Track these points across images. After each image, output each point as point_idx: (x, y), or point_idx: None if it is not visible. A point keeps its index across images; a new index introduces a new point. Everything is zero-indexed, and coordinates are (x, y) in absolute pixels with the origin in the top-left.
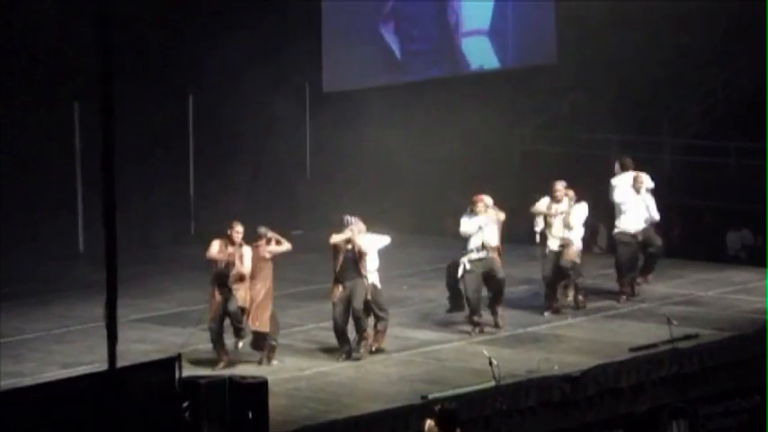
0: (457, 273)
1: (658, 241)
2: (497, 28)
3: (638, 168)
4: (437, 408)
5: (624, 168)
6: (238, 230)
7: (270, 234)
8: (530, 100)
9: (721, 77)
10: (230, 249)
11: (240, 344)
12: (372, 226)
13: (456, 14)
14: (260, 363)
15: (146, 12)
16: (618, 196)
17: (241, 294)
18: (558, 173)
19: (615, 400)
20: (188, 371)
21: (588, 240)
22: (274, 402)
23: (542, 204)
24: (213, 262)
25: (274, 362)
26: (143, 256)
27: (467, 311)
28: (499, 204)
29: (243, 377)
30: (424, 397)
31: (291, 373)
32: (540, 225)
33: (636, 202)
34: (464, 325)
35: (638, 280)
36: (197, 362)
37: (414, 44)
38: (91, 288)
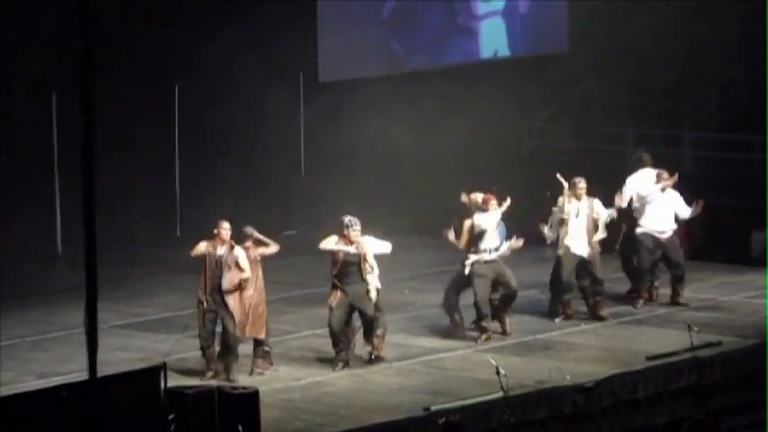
0: (454, 298)
1: (681, 259)
2: (506, 13)
3: (656, 164)
4: (441, 420)
5: (642, 164)
6: (225, 227)
7: (255, 234)
8: (539, 91)
9: (744, 67)
10: (220, 251)
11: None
12: (371, 226)
13: None
14: (251, 372)
15: None
16: (641, 194)
17: (232, 304)
18: (570, 168)
19: (631, 413)
20: (174, 380)
21: (610, 241)
22: (266, 414)
23: (561, 206)
24: (202, 260)
25: (267, 371)
26: (126, 258)
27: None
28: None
29: (233, 387)
30: (426, 409)
31: (285, 383)
32: (550, 230)
33: (661, 201)
34: (470, 331)
35: (656, 283)
36: (184, 371)
37: (416, 30)
38: (70, 292)
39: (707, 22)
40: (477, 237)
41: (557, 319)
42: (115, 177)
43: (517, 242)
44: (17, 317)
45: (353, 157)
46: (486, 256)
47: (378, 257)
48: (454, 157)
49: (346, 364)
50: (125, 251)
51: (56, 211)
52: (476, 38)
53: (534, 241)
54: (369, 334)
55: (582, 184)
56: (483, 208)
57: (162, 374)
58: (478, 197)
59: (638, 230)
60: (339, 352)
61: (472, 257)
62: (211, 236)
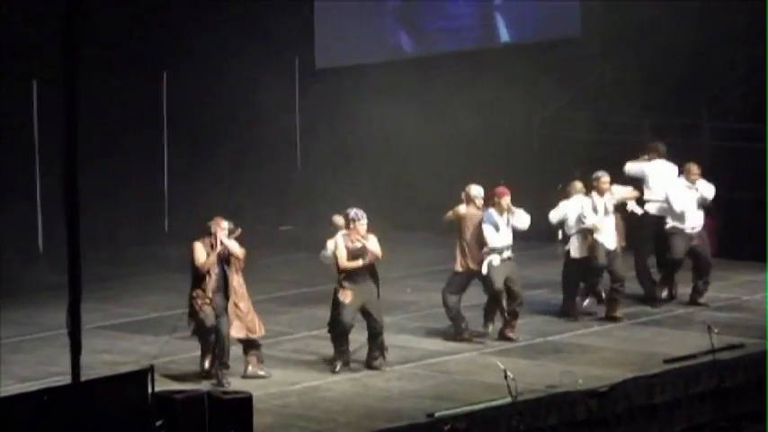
0: (455, 301)
1: (709, 255)
2: None
3: (674, 156)
4: (446, 428)
5: (657, 155)
6: (223, 227)
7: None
8: (550, 78)
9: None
10: (218, 250)
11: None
12: (372, 223)
13: None
14: (246, 373)
15: None
16: (668, 188)
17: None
18: (583, 160)
19: (648, 419)
20: (162, 385)
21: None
22: (260, 421)
23: (589, 214)
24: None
25: (262, 371)
26: (111, 256)
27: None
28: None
29: (224, 392)
30: (430, 415)
31: (280, 388)
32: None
33: (689, 195)
34: (478, 336)
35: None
36: (172, 375)
37: (421, 14)
38: (52, 291)
39: (729, 5)
40: (489, 234)
41: (586, 302)
42: (100, 170)
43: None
44: None
45: (353, 150)
46: (504, 254)
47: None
48: (461, 148)
49: (347, 365)
50: (110, 248)
51: (37, 207)
52: (484, 22)
53: (544, 237)
54: (375, 339)
55: (605, 178)
56: (497, 201)
57: (149, 378)
58: (473, 191)
59: (667, 226)
60: (343, 353)
61: (488, 257)
62: (204, 234)
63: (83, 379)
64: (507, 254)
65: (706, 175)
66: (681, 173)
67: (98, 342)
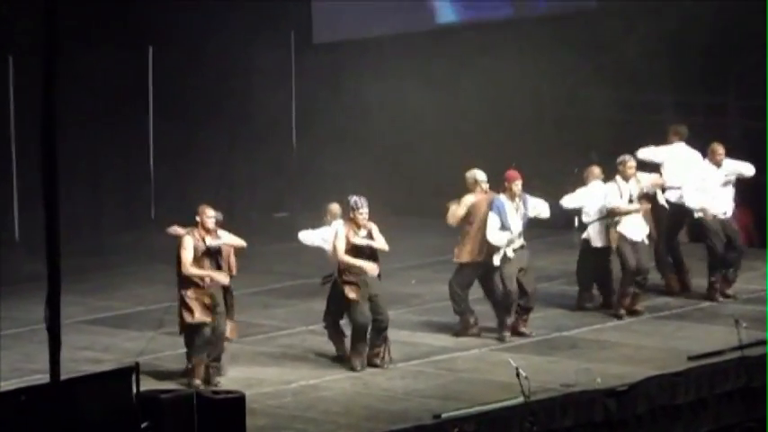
0: (463, 293)
1: (739, 242)
2: None
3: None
4: (454, 430)
5: (678, 138)
6: (210, 215)
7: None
8: (565, 55)
9: None
10: (209, 241)
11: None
12: (374, 208)
13: None
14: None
15: None
16: (691, 173)
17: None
18: (600, 142)
19: (671, 420)
20: (147, 384)
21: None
22: (253, 422)
23: (614, 198)
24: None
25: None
26: (92, 245)
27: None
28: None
29: (215, 391)
30: (436, 416)
31: (274, 387)
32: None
33: (717, 179)
34: (489, 332)
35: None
36: (158, 373)
37: None
38: (29, 283)
39: None
40: (492, 227)
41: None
42: (80, 153)
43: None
44: None
45: (353, 130)
46: (516, 243)
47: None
48: (468, 128)
49: (364, 364)
50: (92, 236)
51: (12, 191)
52: None
53: (559, 225)
54: (380, 334)
55: (632, 162)
56: (508, 186)
57: (134, 377)
58: (479, 175)
59: (701, 215)
60: (361, 354)
61: (498, 254)
62: (192, 224)
63: (62, 377)
64: (520, 242)
65: (732, 156)
66: (705, 155)
67: (79, 338)
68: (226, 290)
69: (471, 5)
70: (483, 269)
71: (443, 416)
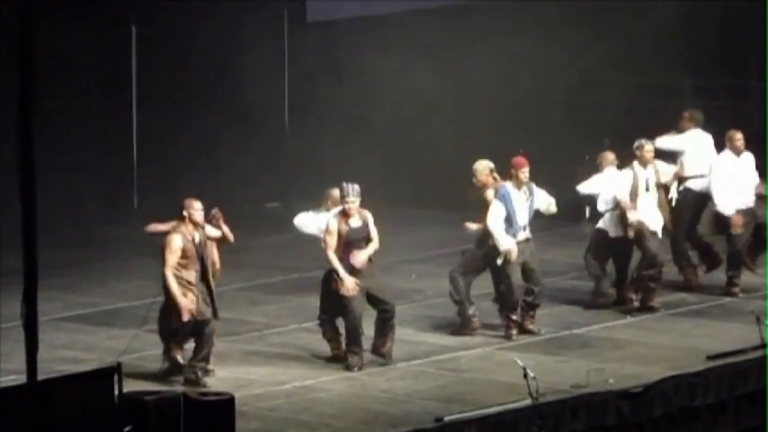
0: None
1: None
2: None
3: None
4: None
5: (694, 124)
6: (197, 208)
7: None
8: (575, 35)
9: None
10: (197, 237)
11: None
12: (373, 198)
13: None
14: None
15: None
16: (711, 161)
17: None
18: (613, 128)
19: (688, 423)
20: (131, 385)
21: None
22: (244, 426)
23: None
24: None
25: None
26: (72, 237)
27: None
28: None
29: (202, 393)
30: (438, 419)
31: (266, 388)
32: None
33: (737, 167)
34: (492, 328)
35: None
36: (142, 373)
37: None
38: (4, 277)
39: None
40: (494, 216)
41: (628, 317)
42: (59, 139)
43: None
44: None
45: (351, 115)
46: (521, 236)
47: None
48: (473, 114)
49: (361, 368)
50: (71, 228)
51: None
52: None
53: (569, 216)
54: (387, 323)
55: (650, 146)
56: (516, 174)
57: (116, 377)
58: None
59: (722, 208)
60: (356, 354)
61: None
62: (178, 217)
63: (40, 378)
64: (525, 234)
65: (754, 142)
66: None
67: (58, 336)
68: (209, 286)
69: None
70: (491, 259)
71: (446, 419)
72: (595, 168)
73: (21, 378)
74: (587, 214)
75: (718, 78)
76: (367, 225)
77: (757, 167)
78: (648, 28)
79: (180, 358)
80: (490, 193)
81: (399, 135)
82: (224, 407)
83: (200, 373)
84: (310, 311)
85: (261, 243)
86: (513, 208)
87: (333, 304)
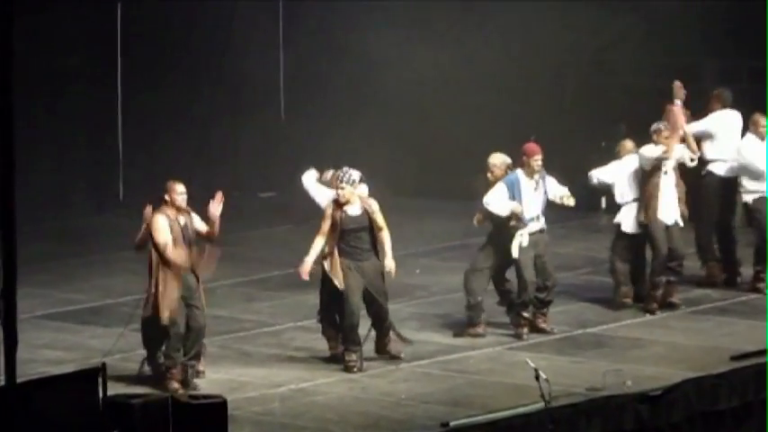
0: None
1: None
2: None
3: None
4: None
5: (722, 104)
6: (180, 191)
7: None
8: (590, 12)
9: None
10: (182, 220)
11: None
12: (374, 186)
13: None
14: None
15: None
16: (743, 148)
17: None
18: (630, 113)
19: (711, 428)
20: (116, 387)
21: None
22: (237, 431)
23: (650, 151)
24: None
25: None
26: (54, 230)
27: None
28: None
29: (192, 396)
30: (444, 424)
31: (260, 391)
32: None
33: (759, 150)
34: (501, 327)
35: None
36: (128, 375)
37: None
38: None
39: None
40: (494, 197)
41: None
42: (40, 124)
43: (569, 199)
44: None
45: (351, 97)
46: (533, 226)
47: None
48: (480, 97)
49: (359, 366)
50: (53, 219)
51: None
52: None
53: (584, 207)
54: (382, 324)
55: (667, 132)
56: (528, 162)
57: (100, 379)
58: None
59: (750, 196)
60: (355, 352)
61: (518, 233)
62: (162, 202)
63: (19, 380)
64: (539, 225)
65: None
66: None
67: (38, 335)
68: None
69: None
70: (504, 254)
71: (452, 424)
72: (612, 157)
73: None
74: (603, 204)
75: (742, 59)
76: (367, 213)
77: None
78: (667, 6)
79: (175, 384)
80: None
81: (402, 120)
82: (215, 411)
83: (190, 373)
84: (307, 309)
85: (254, 235)
86: (521, 196)
87: (332, 300)
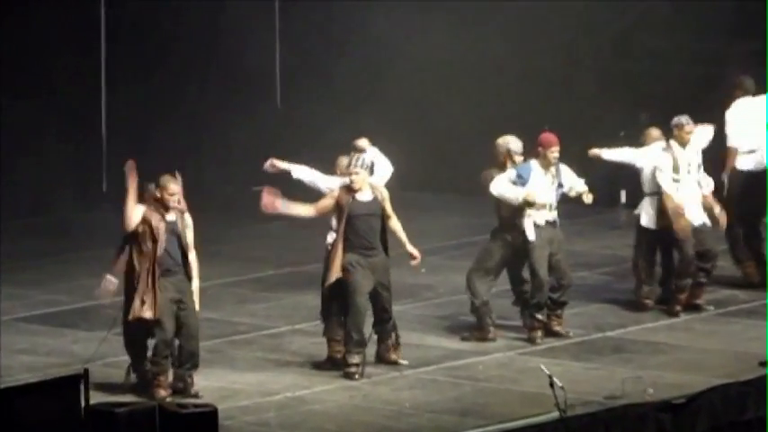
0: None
1: None
2: None
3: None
4: None
5: (742, 92)
6: (172, 192)
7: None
8: None
9: None
10: (170, 218)
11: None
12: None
13: None
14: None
15: None
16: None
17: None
18: (651, 101)
19: None
20: (99, 395)
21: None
22: None
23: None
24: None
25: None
26: (33, 226)
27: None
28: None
29: (181, 404)
30: None
31: (254, 399)
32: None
33: None
34: (513, 330)
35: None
36: (112, 383)
37: None
38: None
39: None
40: (501, 182)
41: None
42: (20, 117)
43: (588, 196)
44: None
45: (352, 84)
46: (546, 215)
47: None
48: (493, 83)
49: (361, 372)
50: (33, 216)
51: None
52: None
53: (602, 201)
54: (385, 325)
55: (690, 126)
56: (544, 153)
57: (82, 386)
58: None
59: None
60: (358, 353)
61: (528, 222)
62: (150, 198)
63: None
64: (552, 215)
65: None
66: None
67: (16, 339)
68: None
69: None
70: (511, 251)
71: None
72: (632, 146)
73: None
74: (623, 198)
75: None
76: (378, 201)
77: None
78: None
79: (162, 392)
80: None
81: (409, 108)
82: (206, 420)
83: (188, 383)
84: (305, 311)
85: (248, 233)
86: (532, 185)
87: (338, 298)
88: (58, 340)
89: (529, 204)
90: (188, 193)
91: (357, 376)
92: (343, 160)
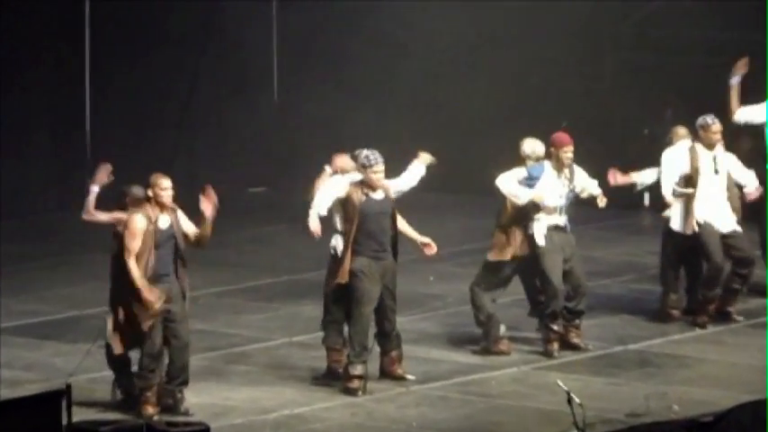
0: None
1: None
2: None
3: None
4: None
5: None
6: (164, 187)
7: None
8: None
9: None
10: (163, 223)
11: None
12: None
13: None
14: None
15: None
16: None
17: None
18: (677, 96)
19: None
20: (82, 412)
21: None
22: None
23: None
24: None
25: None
26: (13, 231)
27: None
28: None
29: (171, 422)
30: None
31: (248, 417)
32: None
33: None
34: (528, 344)
35: None
36: (96, 399)
37: None
38: None
39: None
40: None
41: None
42: (2, 116)
43: (601, 199)
44: None
45: (354, 81)
46: (556, 219)
47: None
48: (505, 79)
49: (363, 389)
50: (13, 218)
51: None
52: None
53: (623, 204)
54: (389, 336)
55: (717, 126)
56: (557, 154)
57: (64, 403)
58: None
59: None
60: (361, 363)
61: (536, 226)
62: (143, 199)
63: None
64: (562, 219)
65: None
66: None
67: None
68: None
69: None
70: (518, 267)
71: None
72: (655, 145)
73: None
74: (647, 201)
75: None
76: (389, 199)
77: None
78: None
79: (150, 409)
80: None
81: (413, 104)
82: None
83: (179, 398)
84: (303, 322)
85: (244, 237)
86: (542, 186)
87: (339, 303)
88: (38, 353)
89: (536, 206)
90: (178, 195)
91: (359, 392)
92: (342, 160)
